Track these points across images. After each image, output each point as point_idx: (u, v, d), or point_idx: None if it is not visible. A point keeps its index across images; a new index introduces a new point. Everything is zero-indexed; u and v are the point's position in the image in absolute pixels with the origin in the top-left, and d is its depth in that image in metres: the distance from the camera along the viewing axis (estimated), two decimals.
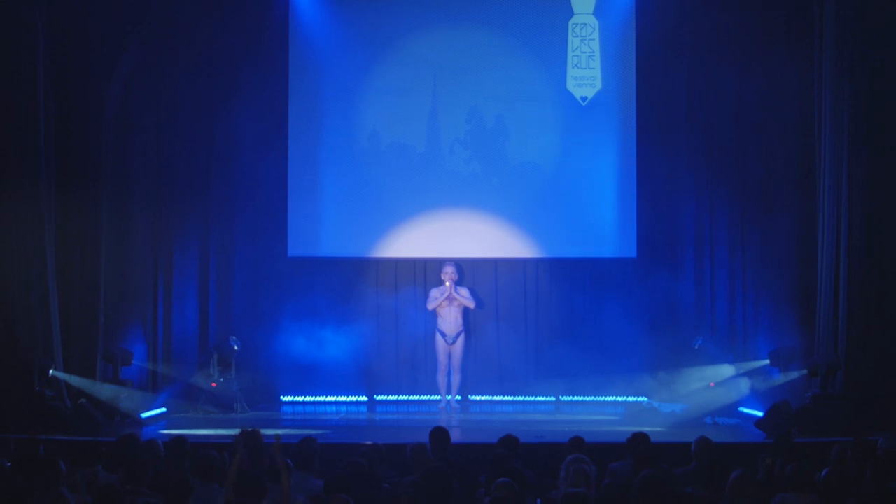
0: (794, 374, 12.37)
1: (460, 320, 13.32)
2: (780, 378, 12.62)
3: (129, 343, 13.30)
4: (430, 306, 13.36)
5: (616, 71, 13.82)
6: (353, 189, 13.81)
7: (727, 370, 12.97)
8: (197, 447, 8.16)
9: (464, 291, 13.37)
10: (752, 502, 6.19)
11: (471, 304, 13.39)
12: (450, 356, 13.32)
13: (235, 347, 13.27)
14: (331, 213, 13.78)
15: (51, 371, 11.76)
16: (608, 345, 13.41)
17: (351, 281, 13.85)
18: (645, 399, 13.31)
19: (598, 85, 13.84)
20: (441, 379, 13.37)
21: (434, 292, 13.37)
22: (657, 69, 13.66)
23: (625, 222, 13.74)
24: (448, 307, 13.29)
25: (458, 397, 13.49)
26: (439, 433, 8.40)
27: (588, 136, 13.83)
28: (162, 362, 13.49)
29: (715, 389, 13.01)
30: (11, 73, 11.80)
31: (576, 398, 13.64)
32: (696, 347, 13.13)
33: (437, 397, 13.53)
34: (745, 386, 12.80)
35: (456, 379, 13.37)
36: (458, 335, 13.32)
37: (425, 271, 13.80)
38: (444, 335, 13.30)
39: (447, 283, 13.29)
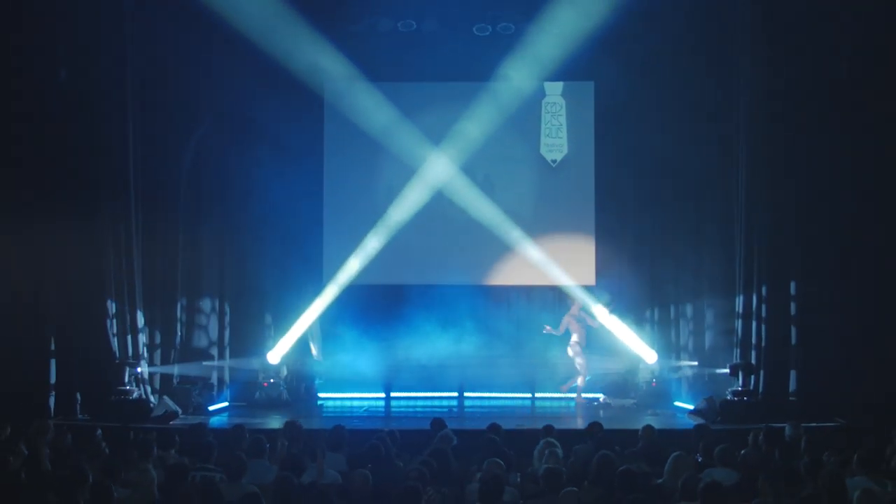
0: (719, 372, 12.35)
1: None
2: (708, 375, 12.62)
3: (200, 348, 13.20)
4: (561, 329, 13.09)
5: (579, 140, 13.84)
6: (373, 231, 13.68)
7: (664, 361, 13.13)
8: (252, 432, 8.12)
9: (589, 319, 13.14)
10: (687, 476, 6.16)
11: (596, 324, 13.15)
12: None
13: (280, 358, 13.25)
14: (356, 251, 13.63)
15: (138, 370, 11.71)
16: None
17: (372, 304, 13.73)
18: (601, 395, 13.29)
19: (565, 150, 13.87)
20: (581, 381, 13.11)
21: (565, 318, 13.14)
22: (611, 138, 13.71)
23: (585, 257, 13.71)
24: (581, 329, 13.05)
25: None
26: (439, 422, 8.40)
27: (556, 191, 13.84)
28: (226, 364, 13.37)
29: (656, 387, 13.03)
30: (109, 132, 11.74)
31: (547, 394, 13.54)
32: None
33: (438, 394, 13.47)
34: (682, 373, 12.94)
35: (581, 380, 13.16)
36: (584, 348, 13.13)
37: (427, 295, 13.63)
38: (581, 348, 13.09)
39: (574, 311, 13.12)
